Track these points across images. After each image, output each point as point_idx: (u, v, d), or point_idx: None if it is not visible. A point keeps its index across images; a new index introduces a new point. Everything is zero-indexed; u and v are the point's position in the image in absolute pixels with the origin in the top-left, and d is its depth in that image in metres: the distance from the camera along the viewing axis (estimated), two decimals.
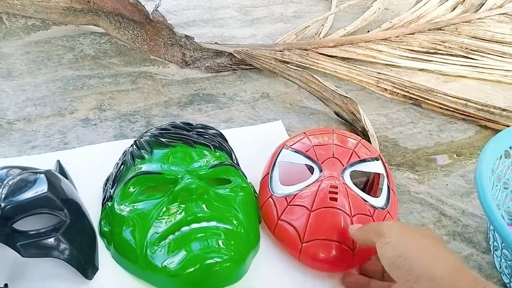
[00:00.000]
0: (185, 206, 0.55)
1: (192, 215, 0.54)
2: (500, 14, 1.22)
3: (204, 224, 0.54)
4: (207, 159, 0.61)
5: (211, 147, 0.63)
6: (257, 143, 0.76)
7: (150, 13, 0.92)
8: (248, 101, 0.88)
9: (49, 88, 0.87)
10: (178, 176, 0.58)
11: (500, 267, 0.59)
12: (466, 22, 1.17)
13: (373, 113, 0.89)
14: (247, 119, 0.83)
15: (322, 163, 0.62)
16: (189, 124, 0.66)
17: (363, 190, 0.68)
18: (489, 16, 1.20)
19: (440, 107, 0.90)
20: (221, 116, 0.83)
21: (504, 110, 0.88)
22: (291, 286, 0.56)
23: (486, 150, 0.61)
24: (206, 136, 0.65)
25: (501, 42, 1.11)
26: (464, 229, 0.66)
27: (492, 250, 0.61)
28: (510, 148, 0.64)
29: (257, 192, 0.65)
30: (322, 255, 0.56)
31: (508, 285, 0.58)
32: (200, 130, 0.66)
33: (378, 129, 0.84)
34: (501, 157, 0.63)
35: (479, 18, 1.19)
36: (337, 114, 0.86)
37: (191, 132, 0.64)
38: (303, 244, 0.57)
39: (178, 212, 0.54)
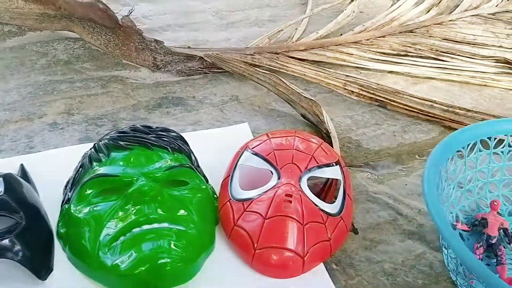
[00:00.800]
0: (137, 208, 0.56)
1: (144, 216, 0.55)
2: (472, 15, 1.24)
3: (155, 225, 0.55)
4: (165, 161, 0.63)
5: (169, 149, 0.65)
6: (222, 145, 0.77)
7: (120, 19, 0.93)
8: (217, 104, 0.90)
9: (20, 93, 0.88)
10: (134, 178, 0.59)
11: (448, 265, 0.60)
12: (438, 24, 1.18)
13: (339, 115, 0.90)
14: (215, 122, 0.85)
15: (281, 169, 0.64)
16: (148, 127, 0.68)
17: (321, 192, 0.70)
18: (461, 18, 1.22)
19: (406, 109, 0.91)
20: (188, 119, 0.85)
21: (469, 110, 0.90)
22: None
23: (436, 151, 0.62)
24: (165, 139, 0.66)
25: (472, 44, 1.13)
26: (419, 228, 0.68)
27: (441, 248, 0.63)
28: (463, 148, 0.66)
29: (217, 194, 0.67)
30: (273, 262, 0.57)
31: (455, 282, 0.59)
32: (160, 133, 0.67)
33: (342, 130, 0.86)
34: (453, 157, 0.65)
35: (451, 20, 1.20)
36: (303, 116, 0.87)
37: (149, 135, 0.65)
38: (256, 251, 0.58)
39: (130, 214, 0.56)
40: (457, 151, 0.65)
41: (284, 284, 0.58)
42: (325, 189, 0.71)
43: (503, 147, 0.68)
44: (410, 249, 0.65)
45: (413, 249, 0.65)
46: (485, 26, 1.19)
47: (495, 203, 0.65)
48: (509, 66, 1.06)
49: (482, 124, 0.68)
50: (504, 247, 0.62)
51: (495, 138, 0.67)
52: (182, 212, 0.58)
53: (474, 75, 1.02)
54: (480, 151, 0.67)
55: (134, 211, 0.56)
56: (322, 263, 0.61)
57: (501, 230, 0.64)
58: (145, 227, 0.55)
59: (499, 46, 1.13)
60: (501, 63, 1.06)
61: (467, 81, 1.01)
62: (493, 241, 0.62)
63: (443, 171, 0.63)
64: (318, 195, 0.70)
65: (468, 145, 0.66)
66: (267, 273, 0.58)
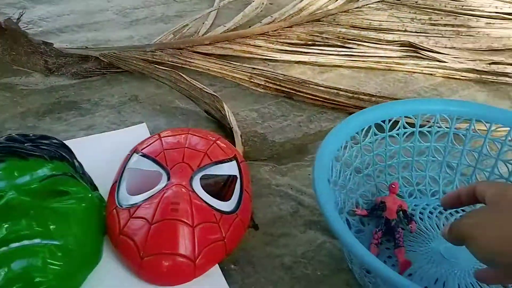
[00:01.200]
0: (5, 225, 0.51)
1: (13, 233, 0.50)
2: (378, 1, 1.25)
3: (25, 242, 0.50)
4: (41, 171, 0.57)
5: (47, 158, 0.59)
6: (116, 149, 0.72)
7: (2, 22, 0.87)
8: (114, 105, 0.85)
9: None
10: (4, 192, 0.54)
11: (345, 253, 0.59)
12: (345, 12, 1.19)
13: (245, 108, 0.88)
14: (111, 125, 0.80)
15: (171, 169, 0.60)
16: (25, 135, 0.62)
17: (220, 190, 0.67)
18: (367, 4, 1.23)
19: (311, 98, 0.90)
20: (82, 123, 0.80)
21: (373, 96, 0.90)
22: None
23: (328, 140, 0.60)
24: (43, 147, 0.61)
25: (377, 29, 1.14)
26: (320, 218, 0.66)
27: None
28: (357, 133, 0.65)
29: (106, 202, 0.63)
30: (161, 269, 0.54)
31: (351, 270, 0.58)
32: (38, 141, 0.62)
33: (248, 124, 0.84)
34: (347, 144, 0.64)
35: (357, 8, 1.21)
36: (207, 112, 0.84)
37: (26, 144, 0.60)
38: (143, 259, 0.54)
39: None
40: (352, 137, 0.64)
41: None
42: (225, 187, 0.69)
43: (398, 129, 0.68)
44: (311, 240, 0.63)
45: (314, 239, 0.63)
46: (390, 12, 1.21)
47: (393, 186, 0.64)
48: (413, 49, 1.07)
49: (374, 108, 0.67)
50: (403, 229, 0.62)
51: (389, 121, 0.67)
52: (58, 225, 0.53)
53: (379, 60, 1.03)
54: (376, 134, 0.67)
55: (3, 228, 0.51)
56: (217, 265, 0.58)
57: (400, 212, 0.63)
58: (14, 245, 0.50)
59: (404, 31, 1.15)
60: (405, 47, 1.08)
61: (372, 67, 1.02)
62: (392, 224, 0.61)
63: (337, 158, 0.62)
64: (218, 193, 0.67)
65: (363, 129, 0.65)
66: (156, 281, 0.55)
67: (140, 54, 0.92)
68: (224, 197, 0.64)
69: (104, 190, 0.63)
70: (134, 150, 0.65)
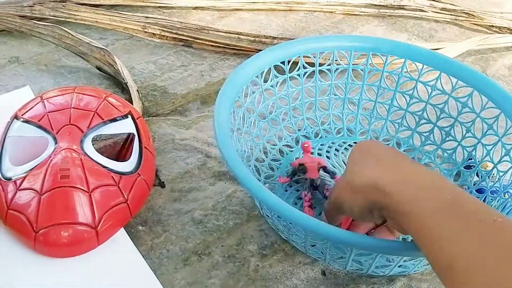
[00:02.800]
0: None
1: None
2: None
3: None
4: None
5: None
6: None
7: None
8: None
9: None
10: None
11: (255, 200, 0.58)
12: None
13: (141, 61, 0.82)
14: None
15: (57, 133, 0.55)
16: None
17: (120, 151, 0.63)
18: None
19: (212, 45, 0.86)
20: None
21: (275, 38, 0.87)
22: (28, 279, 0.49)
23: (226, 87, 0.58)
24: None
25: None
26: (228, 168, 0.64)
27: None
28: (256, 77, 0.63)
29: None
30: (59, 241, 0.50)
31: (263, 216, 0.57)
32: None
33: (145, 78, 0.78)
34: (247, 88, 0.61)
35: None
36: (99, 68, 0.78)
37: None
38: (37, 233, 0.50)
39: None
40: (252, 82, 0.62)
41: (79, 261, 0.51)
42: (125, 146, 0.65)
43: (298, 70, 0.67)
44: (221, 191, 0.61)
45: (224, 190, 0.62)
46: None
47: (306, 145, 0.63)
48: None
49: (271, 49, 0.65)
50: (329, 185, 0.60)
51: (289, 62, 0.65)
52: None
53: (279, 1, 1.00)
54: (276, 77, 0.65)
55: None
56: (123, 228, 0.54)
57: (321, 170, 0.62)
58: None
59: None
60: None
61: (272, 8, 0.99)
62: (318, 183, 0.60)
63: (238, 104, 0.60)
64: (118, 154, 0.63)
65: (262, 73, 0.63)
66: (56, 254, 0.51)
67: (17, 10, 0.82)
68: (124, 158, 0.60)
69: None
70: (15, 116, 0.58)
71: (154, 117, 0.72)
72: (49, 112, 0.57)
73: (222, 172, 0.64)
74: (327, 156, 0.67)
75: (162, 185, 0.61)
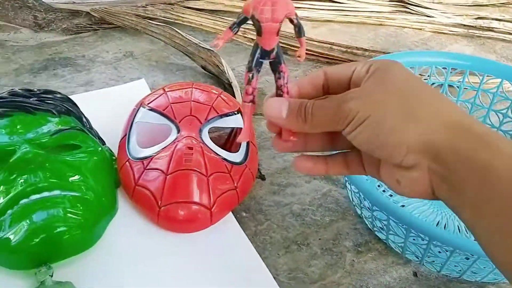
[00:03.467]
0: (23, 178, 0.51)
1: (31, 186, 0.50)
2: None
3: (45, 194, 0.51)
4: (50, 125, 0.57)
5: (55, 112, 0.59)
6: (118, 104, 0.72)
7: None
8: (110, 61, 0.84)
9: None
10: (16, 146, 0.54)
11: (352, 200, 0.61)
12: None
13: (240, 64, 0.88)
14: (109, 81, 0.79)
15: (179, 122, 0.61)
16: (29, 90, 0.61)
17: (225, 144, 0.69)
18: None
19: (306, 53, 0.90)
20: (79, 79, 0.78)
21: (366, 50, 0.91)
22: (149, 249, 0.54)
23: None
24: (49, 102, 0.60)
25: None
26: None
27: (345, 184, 0.64)
28: None
29: (116, 155, 0.63)
30: (180, 217, 0.55)
31: (360, 215, 0.61)
32: (43, 95, 0.61)
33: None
34: None
35: None
36: (203, 68, 0.84)
37: (31, 99, 0.59)
38: (161, 208, 0.56)
39: (16, 185, 0.51)
40: None
41: (194, 237, 0.56)
42: (230, 140, 0.70)
43: None
44: (316, 189, 0.65)
45: (319, 188, 0.66)
46: None
47: None
48: (402, 4, 1.09)
49: (383, 57, 0.69)
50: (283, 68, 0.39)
51: None
52: (75, 177, 0.54)
53: (370, 15, 1.04)
54: None
55: (20, 181, 0.51)
56: (231, 212, 0.60)
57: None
58: (34, 197, 0.50)
59: None
60: (394, 1, 1.09)
61: (363, 22, 1.03)
62: (271, 57, 0.38)
63: None
64: (223, 146, 0.68)
65: None
66: (174, 229, 0.56)
67: (132, 9, 0.91)
68: (230, 150, 0.65)
69: (110, 144, 0.64)
70: (140, 104, 0.65)
71: (253, 116, 0.77)
72: (172, 103, 0.63)
73: None
74: None
75: (263, 178, 0.66)
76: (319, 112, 0.34)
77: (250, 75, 0.38)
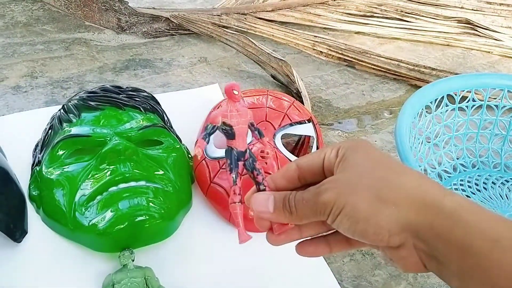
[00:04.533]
0: (112, 167, 0.55)
1: (120, 175, 0.54)
2: None
3: (132, 183, 0.54)
4: (137, 121, 0.62)
5: (142, 109, 0.63)
6: (193, 106, 0.76)
7: None
8: (186, 65, 0.88)
9: None
10: (107, 138, 0.58)
11: None
12: None
13: (308, 75, 0.91)
14: (184, 84, 0.84)
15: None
16: (119, 87, 0.66)
17: (294, 149, 0.71)
18: None
19: (373, 68, 0.92)
20: (157, 81, 0.83)
21: (434, 69, 0.92)
22: (220, 244, 0.57)
23: (407, 105, 0.64)
24: (136, 99, 0.65)
25: (435, 5, 1.15)
26: None
27: None
28: (431, 103, 0.68)
29: (191, 155, 0.67)
30: (249, 217, 0.58)
31: None
32: (131, 93, 0.66)
33: (312, 90, 0.87)
34: (422, 112, 0.67)
35: None
36: (273, 77, 0.87)
37: (120, 95, 0.64)
38: None
39: (106, 173, 0.55)
40: (426, 106, 0.67)
41: (262, 237, 0.58)
42: (297, 147, 0.72)
43: (467, 102, 0.71)
44: None
45: None
46: None
47: (234, 90, 0.45)
48: (470, 26, 1.08)
49: (449, 79, 0.70)
50: (258, 166, 0.42)
51: (460, 93, 0.70)
52: (158, 171, 0.58)
53: (438, 35, 1.05)
54: (447, 105, 0.69)
55: (110, 170, 0.55)
56: None
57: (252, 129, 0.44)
58: (122, 185, 0.54)
59: (461, 7, 1.15)
60: (462, 23, 1.09)
61: (431, 41, 1.04)
62: (246, 158, 0.42)
63: (413, 125, 0.65)
64: (291, 151, 0.71)
65: (436, 100, 0.68)
66: (246, 228, 0.59)
67: (208, 17, 0.95)
68: (298, 155, 0.68)
69: (185, 143, 0.67)
70: (218, 107, 0.68)
71: (320, 126, 0.79)
72: (248, 108, 0.66)
73: None
74: (483, 187, 0.70)
75: None
76: (300, 205, 0.35)
77: (233, 175, 0.41)
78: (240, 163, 0.41)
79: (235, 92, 0.42)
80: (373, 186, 0.33)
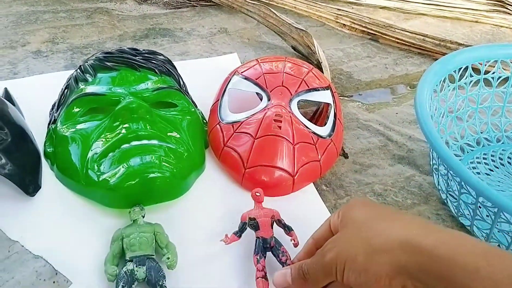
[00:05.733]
0: (126, 125, 0.55)
1: (133, 133, 0.54)
2: None
3: (144, 141, 0.54)
4: (151, 82, 0.61)
5: (157, 71, 0.63)
6: (211, 74, 0.75)
7: None
8: (205, 35, 0.88)
9: (1, 22, 0.85)
10: (121, 97, 0.58)
11: (438, 184, 0.60)
12: None
13: (330, 47, 0.89)
14: (203, 53, 0.83)
15: (271, 91, 0.63)
16: (135, 49, 0.66)
17: (311, 118, 0.70)
18: None
19: (397, 42, 0.90)
20: (176, 49, 0.83)
21: (460, 45, 0.89)
22: (231, 207, 0.57)
23: (430, 72, 0.61)
24: (153, 62, 0.64)
25: None
26: (409, 153, 0.68)
27: (432, 169, 0.63)
28: (454, 72, 0.65)
29: (207, 119, 0.66)
30: (263, 180, 0.57)
31: (445, 200, 0.60)
32: (147, 55, 0.65)
33: (334, 62, 0.85)
34: (445, 79, 0.64)
35: None
36: (293, 48, 0.86)
37: (137, 57, 0.64)
38: (246, 170, 0.58)
39: (119, 131, 0.55)
40: (449, 75, 0.65)
41: (274, 202, 0.58)
42: (315, 115, 0.71)
43: (493, 73, 0.68)
44: (399, 172, 0.65)
45: (403, 172, 0.65)
46: None
47: (257, 194, 0.53)
48: (500, 3, 1.04)
49: (475, 48, 0.67)
50: (283, 249, 0.49)
51: (486, 63, 0.67)
52: (172, 132, 0.57)
53: (466, 12, 1.01)
54: (471, 76, 0.67)
55: (123, 128, 0.55)
56: (312, 183, 0.61)
57: (274, 224, 0.52)
58: (134, 143, 0.54)
59: None
60: (492, 0, 1.05)
61: (458, 17, 1.00)
62: (271, 244, 0.49)
63: (434, 93, 0.63)
64: (309, 120, 0.70)
65: (460, 69, 0.65)
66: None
67: None
68: (316, 124, 0.66)
69: (201, 109, 0.67)
70: (234, 73, 0.67)
71: (340, 97, 0.77)
72: (265, 73, 0.65)
73: (401, 156, 0.67)
74: (508, 162, 0.67)
75: (345, 156, 0.67)
76: (311, 270, 0.40)
77: (258, 257, 0.48)
78: (268, 252, 0.49)
79: (257, 194, 0.53)
80: (366, 237, 0.36)
